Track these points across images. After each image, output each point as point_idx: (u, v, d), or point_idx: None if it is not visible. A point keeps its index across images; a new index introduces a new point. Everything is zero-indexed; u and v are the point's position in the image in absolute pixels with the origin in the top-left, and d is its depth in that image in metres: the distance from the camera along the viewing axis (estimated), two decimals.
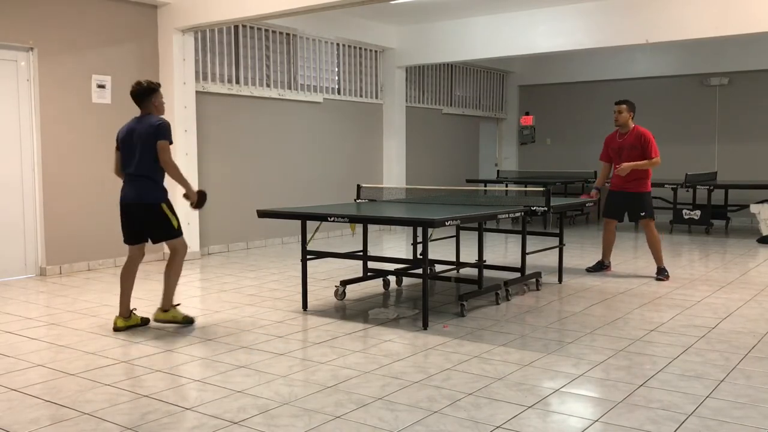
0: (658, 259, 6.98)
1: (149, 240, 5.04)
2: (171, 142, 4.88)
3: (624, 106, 6.96)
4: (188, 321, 5.07)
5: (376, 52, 11.46)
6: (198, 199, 5.04)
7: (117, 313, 5.05)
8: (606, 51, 12.37)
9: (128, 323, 4.98)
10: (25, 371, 4.03)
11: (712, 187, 10.67)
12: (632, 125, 6.97)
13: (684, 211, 10.86)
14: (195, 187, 5.24)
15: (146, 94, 4.93)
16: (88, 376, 3.93)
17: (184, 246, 5.08)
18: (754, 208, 9.93)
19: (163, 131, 4.82)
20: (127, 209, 4.95)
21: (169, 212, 4.94)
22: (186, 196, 4.99)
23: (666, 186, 10.90)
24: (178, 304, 5.15)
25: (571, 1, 9.26)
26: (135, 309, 5.11)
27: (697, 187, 10.74)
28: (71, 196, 7.41)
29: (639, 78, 13.06)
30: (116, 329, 4.93)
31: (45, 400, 3.54)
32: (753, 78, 12.17)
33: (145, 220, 4.93)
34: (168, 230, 4.96)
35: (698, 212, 10.74)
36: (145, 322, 5.09)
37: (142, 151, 4.83)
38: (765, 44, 11.38)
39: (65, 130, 7.34)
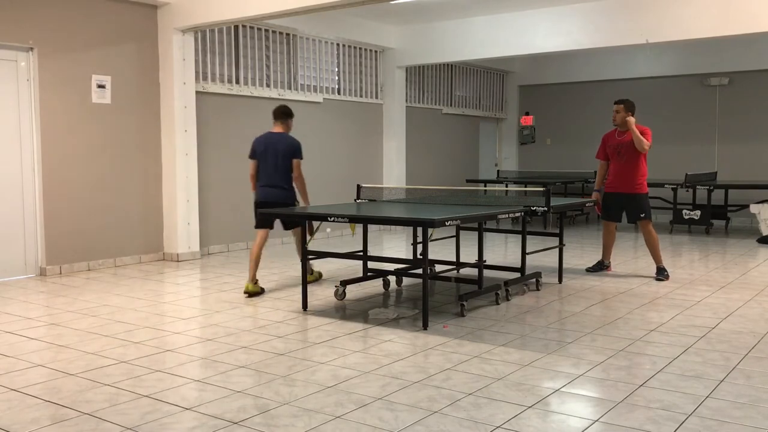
0: (657, 259, 6.99)
1: (283, 227, 6.44)
2: (302, 158, 6.24)
3: (621, 105, 6.96)
4: (259, 291, 6.19)
5: (376, 52, 11.46)
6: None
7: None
8: (606, 51, 12.38)
9: (256, 289, 6.10)
10: (25, 371, 4.04)
11: (712, 187, 10.67)
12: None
13: (684, 211, 10.86)
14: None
15: (289, 115, 6.39)
16: (88, 376, 3.93)
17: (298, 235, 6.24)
18: (754, 208, 9.93)
19: (300, 151, 6.25)
20: (266, 205, 6.15)
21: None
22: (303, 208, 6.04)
23: (666, 186, 10.90)
24: (256, 281, 6.17)
25: (571, 1, 9.27)
26: (258, 280, 6.19)
27: (697, 187, 10.74)
28: (71, 196, 7.41)
29: (639, 78, 13.06)
30: (247, 292, 6.08)
31: (45, 400, 3.54)
32: (753, 78, 12.17)
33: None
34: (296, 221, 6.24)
35: (698, 212, 10.74)
36: (262, 290, 6.23)
37: (282, 163, 6.17)
38: (765, 44, 11.39)
39: (65, 130, 7.34)
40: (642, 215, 6.95)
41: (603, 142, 7.21)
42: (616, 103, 7.03)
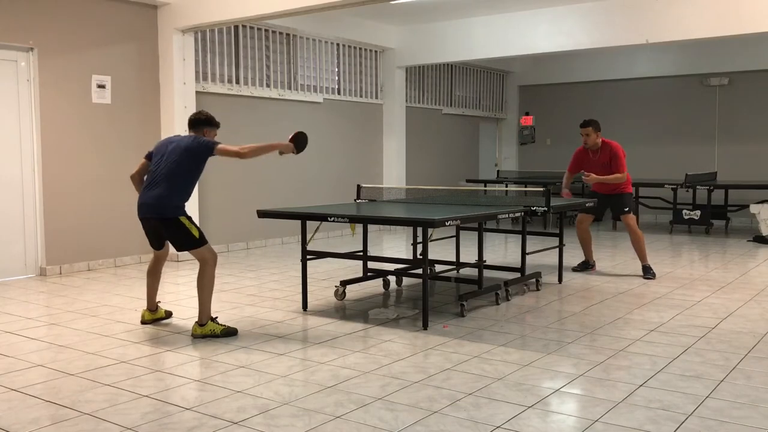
0: (642, 257, 7.04)
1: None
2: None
3: (590, 128, 7.01)
4: (229, 333, 4.76)
5: (376, 52, 11.46)
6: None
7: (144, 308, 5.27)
8: (606, 51, 12.37)
9: (154, 316, 5.18)
10: (25, 371, 4.03)
11: (712, 187, 10.66)
12: (600, 142, 7.05)
13: (684, 211, 10.86)
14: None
15: (202, 123, 4.99)
16: (88, 376, 3.93)
17: None
18: (754, 208, 9.93)
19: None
20: None
21: None
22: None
23: (666, 186, 10.90)
24: (216, 317, 4.89)
25: (571, 1, 9.26)
26: (160, 302, 5.29)
27: (697, 187, 10.73)
28: (71, 196, 7.41)
29: (639, 78, 13.05)
30: (143, 322, 5.13)
31: (45, 400, 3.54)
32: (753, 78, 12.17)
33: None
34: None
35: (698, 212, 10.74)
36: (168, 314, 5.27)
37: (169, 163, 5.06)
38: (765, 44, 11.38)
39: (65, 130, 7.34)
40: (626, 209, 7.05)
41: (576, 160, 7.28)
42: (582, 126, 7.05)
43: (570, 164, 7.37)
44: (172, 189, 4.75)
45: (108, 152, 7.71)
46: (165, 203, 4.75)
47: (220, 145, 4.79)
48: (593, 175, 6.96)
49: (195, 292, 5.65)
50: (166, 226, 4.81)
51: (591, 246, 7.46)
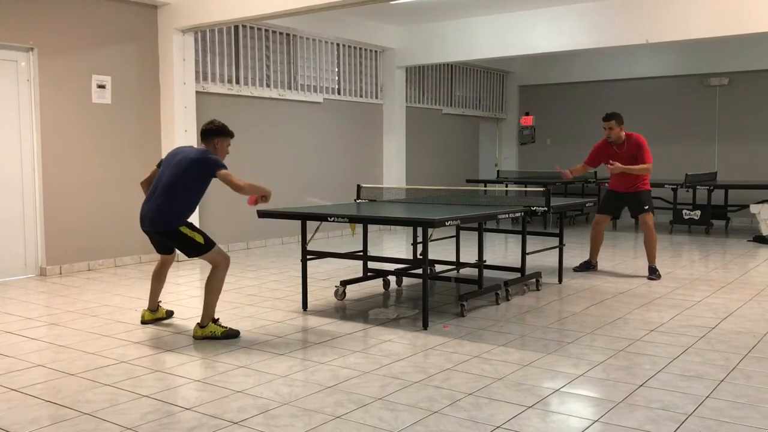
0: (651, 258, 7.00)
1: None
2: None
3: (613, 121, 6.89)
4: (230, 335, 4.71)
5: (376, 52, 11.46)
6: None
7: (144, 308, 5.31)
8: (606, 51, 12.37)
9: (155, 316, 5.18)
10: (25, 371, 4.03)
11: (712, 187, 10.66)
12: (623, 135, 6.97)
13: (684, 211, 10.86)
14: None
15: (213, 134, 4.83)
16: (88, 376, 3.93)
17: None
18: (754, 208, 9.93)
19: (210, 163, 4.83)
20: None
21: None
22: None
23: (666, 186, 10.89)
24: (218, 319, 4.83)
25: (571, 1, 9.26)
26: (161, 301, 5.28)
27: (697, 187, 10.73)
28: (71, 196, 7.41)
29: (639, 78, 13.05)
30: (143, 322, 5.12)
31: (45, 400, 3.54)
32: (753, 78, 12.17)
33: None
34: None
35: (698, 212, 10.74)
36: (170, 314, 5.28)
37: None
38: (765, 44, 11.38)
39: (65, 130, 7.34)
40: (645, 207, 6.96)
41: (597, 151, 7.16)
42: (605, 119, 6.95)
43: (588, 157, 7.23)
44: (170, 202, 4.66)
45: (108, 152, 7.71)
46: (163, 216, 4.68)
47: (224, 171, 4.62)
48: (618, 164, 6.81)
49: (195, 293, 5.67)
50: (168, 237, 4.78)
51: (599, 248, 7.44)
